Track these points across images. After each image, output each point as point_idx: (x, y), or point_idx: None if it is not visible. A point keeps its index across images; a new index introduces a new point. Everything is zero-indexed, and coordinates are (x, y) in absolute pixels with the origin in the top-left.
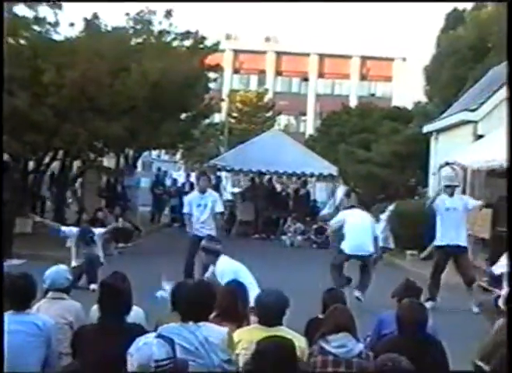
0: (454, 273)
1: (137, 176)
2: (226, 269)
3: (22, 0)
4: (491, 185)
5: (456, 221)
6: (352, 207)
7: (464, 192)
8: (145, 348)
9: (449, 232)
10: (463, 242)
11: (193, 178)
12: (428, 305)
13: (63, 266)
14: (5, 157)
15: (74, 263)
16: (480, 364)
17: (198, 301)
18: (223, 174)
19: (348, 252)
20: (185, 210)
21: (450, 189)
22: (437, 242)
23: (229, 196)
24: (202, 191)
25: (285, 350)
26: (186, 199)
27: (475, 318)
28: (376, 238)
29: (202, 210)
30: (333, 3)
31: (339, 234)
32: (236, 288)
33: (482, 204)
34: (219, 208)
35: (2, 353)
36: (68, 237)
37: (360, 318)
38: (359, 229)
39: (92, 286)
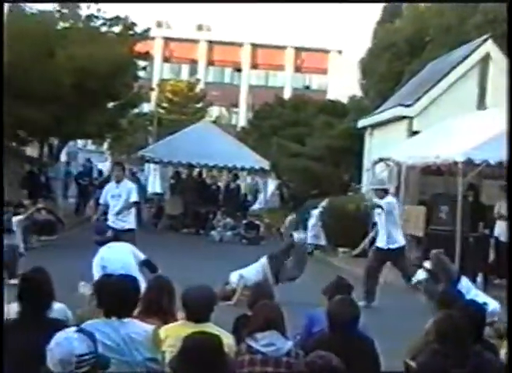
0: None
1: (59, 166)
2: (112, 257)
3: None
4: (425, 182)
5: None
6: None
7: (398, 188)
8: (65, 343)
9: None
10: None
11: None
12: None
13: None
14: None
15: None
16: (410, 363)
17: (122, 297)
18: (152, 166)
19: None
20: (101, 200)
21: (378, 193)
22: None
23: (157, 189)
24: (118, 181)
25: (212, 346)
26: (104, 190)
27: (407, 317)
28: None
29: (116, 200)
30: None
31: None
32: (162, 283)
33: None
34: (134, 198)
35: (2, 350)
36: None
37: (290, 315)
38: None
39: (12, 281)
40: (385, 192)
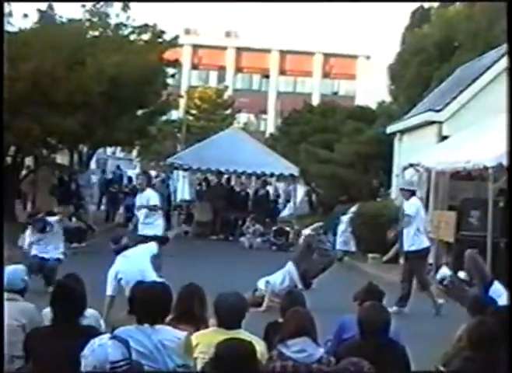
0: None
1: (89, 174)
2: (127, 268)
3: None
4: (455, 187)
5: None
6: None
7: (428, 194)
8: (99, 350)
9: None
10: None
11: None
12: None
13: (20, 267)
14: None
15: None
16: (442, 369)
17: (154, 304)
18: (181, 173)
19: None
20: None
21: (404, 193)
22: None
23: (186, 196)
24: (141, 190)
25: (245, 353)
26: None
27: (438, 323)
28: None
29: (139, 209)
30: None
31: None
32: (193, 290)
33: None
34: (152, 202)
35: (2, 351)
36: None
37: (321, 321)
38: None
39: (51, 288)
40: (412, 194)
